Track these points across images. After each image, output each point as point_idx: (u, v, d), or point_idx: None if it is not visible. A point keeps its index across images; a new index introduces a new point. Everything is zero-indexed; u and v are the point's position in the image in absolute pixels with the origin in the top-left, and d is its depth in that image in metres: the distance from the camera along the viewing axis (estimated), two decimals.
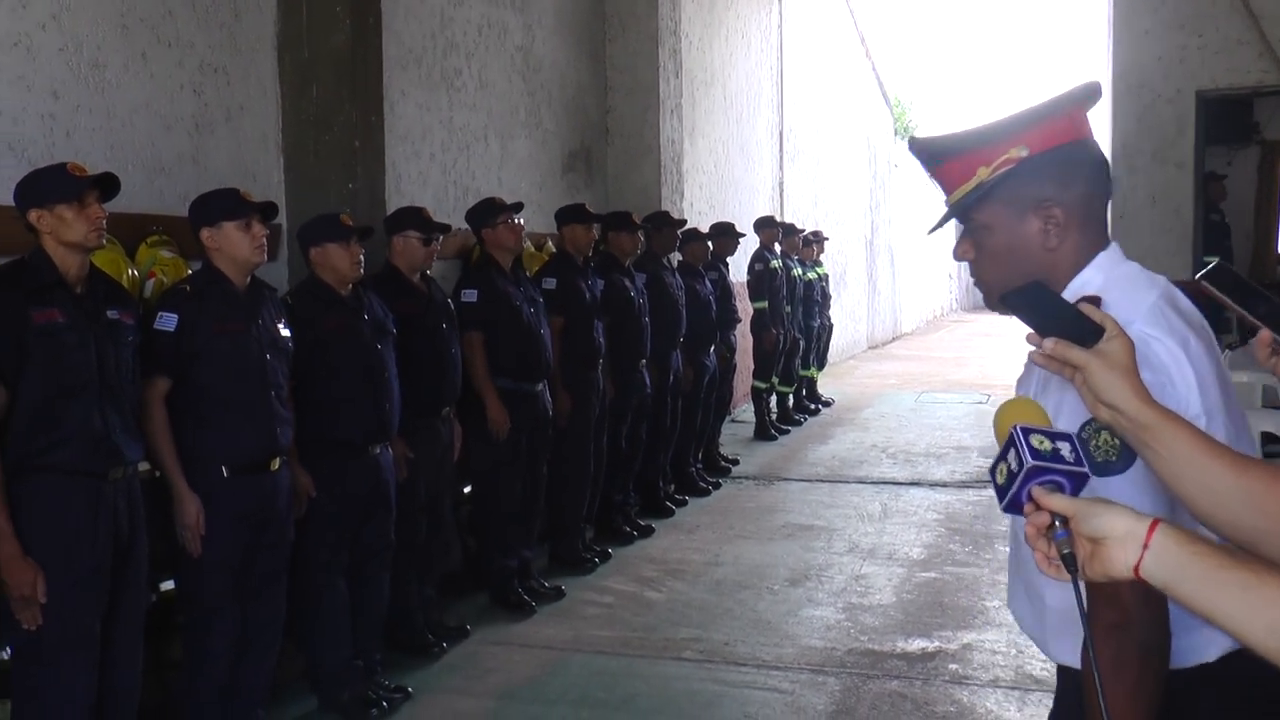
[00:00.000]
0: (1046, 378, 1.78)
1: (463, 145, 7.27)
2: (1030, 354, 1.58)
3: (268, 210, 4.21)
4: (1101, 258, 1.90)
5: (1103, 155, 1.93)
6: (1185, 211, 9.54)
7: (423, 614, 5.36)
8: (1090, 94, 1.89)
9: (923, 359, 19.19)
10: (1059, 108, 1.88)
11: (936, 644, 5.49)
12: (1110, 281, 1.87)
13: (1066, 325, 1.56)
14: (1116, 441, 1.67)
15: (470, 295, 5.83)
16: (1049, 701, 4.69)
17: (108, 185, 3.65)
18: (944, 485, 9.01)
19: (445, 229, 5.55)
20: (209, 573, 4.02)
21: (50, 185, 3.54)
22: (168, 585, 4.17)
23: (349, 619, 4.69)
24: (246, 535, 4.09)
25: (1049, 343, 1.56)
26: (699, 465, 8.98)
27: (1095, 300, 1.71)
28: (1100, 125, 10.87)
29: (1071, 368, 1.56)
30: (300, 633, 4.62)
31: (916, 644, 5.50)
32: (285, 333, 4.30)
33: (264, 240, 4.18)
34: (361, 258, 4.75)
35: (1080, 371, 1.55)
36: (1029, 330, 1.58)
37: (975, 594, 6.23)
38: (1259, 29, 9.22)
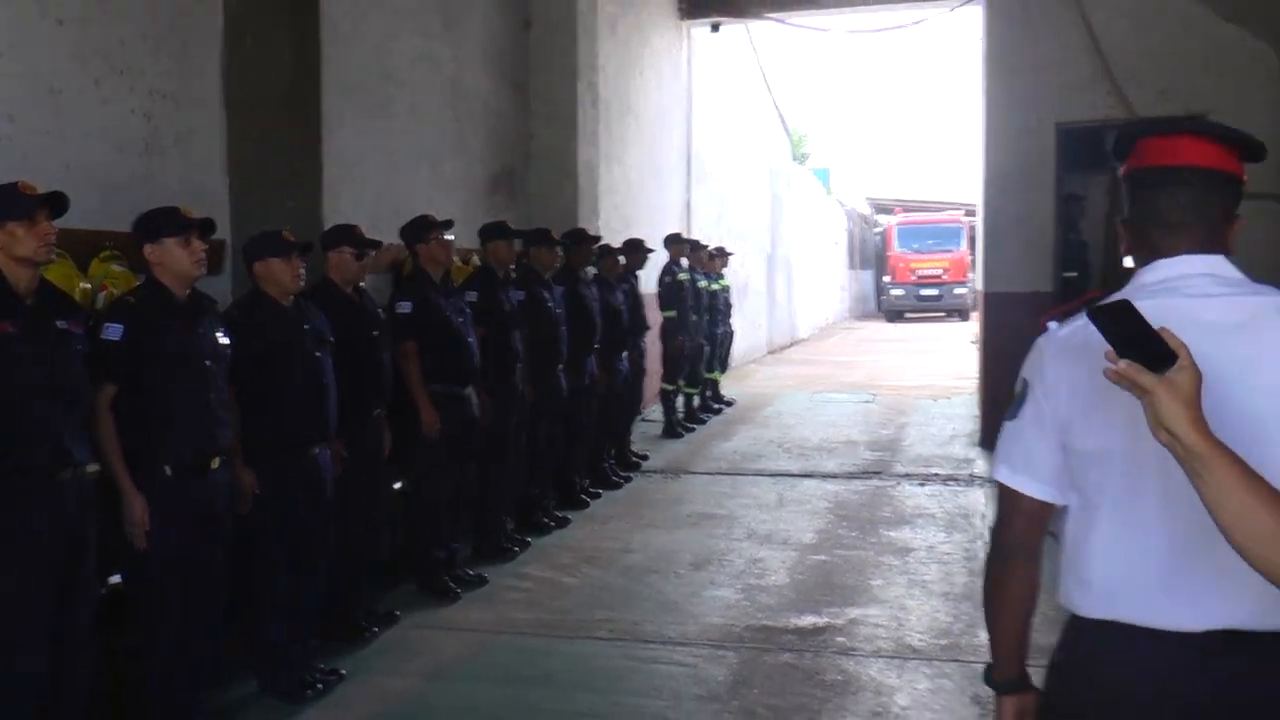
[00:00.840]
0: None
1: (396, 168, 7.21)
2: (1105, 370, 1.55)
3: (206, 226, 4.14)
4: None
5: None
6: (1048, 230, 9.80)
7: (356, 601, 5.31)
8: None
9: (816, 362, 19.35)
10: None
11: (825, 619, 5.55)
12: None
13: (1142, 348, 1.53)
14: None
15: (405, 307, 5.80)
16: (926, 669, 4.83)
17: (57, 203, 3.57)
18: (834, 476, 9.10)
19: (376, 245, 5.50)
20: (154, 566, 3.95)
21: (1, 203, 3.46)
22: (116, 579, 4.08)
23: (288, 607, 4.64)
24: (190, 530, 4.02)
25: (1122, 363, 1.53)
26: (612, 461, 8.98)
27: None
28: (974, 153, 11.10)
29: (1140, 389, 1.53)
30: (242, 620, 4.55)
31: (808, 620, 5.56)
32: (224, 341, 4.23)
33: (203, 254, 4.11)
34: (302, 271, 4.70)
35: (1147, 395, 1.53)
36: (1108, 347, 1.55)
37: (861, 574, 6.31)
38: (1108, 71, 9.49)
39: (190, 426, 4.02)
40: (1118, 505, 1.84)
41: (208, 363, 4.09)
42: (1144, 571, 1.80)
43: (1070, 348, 1.89)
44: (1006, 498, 1.98)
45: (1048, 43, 9.67)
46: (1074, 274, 10.74)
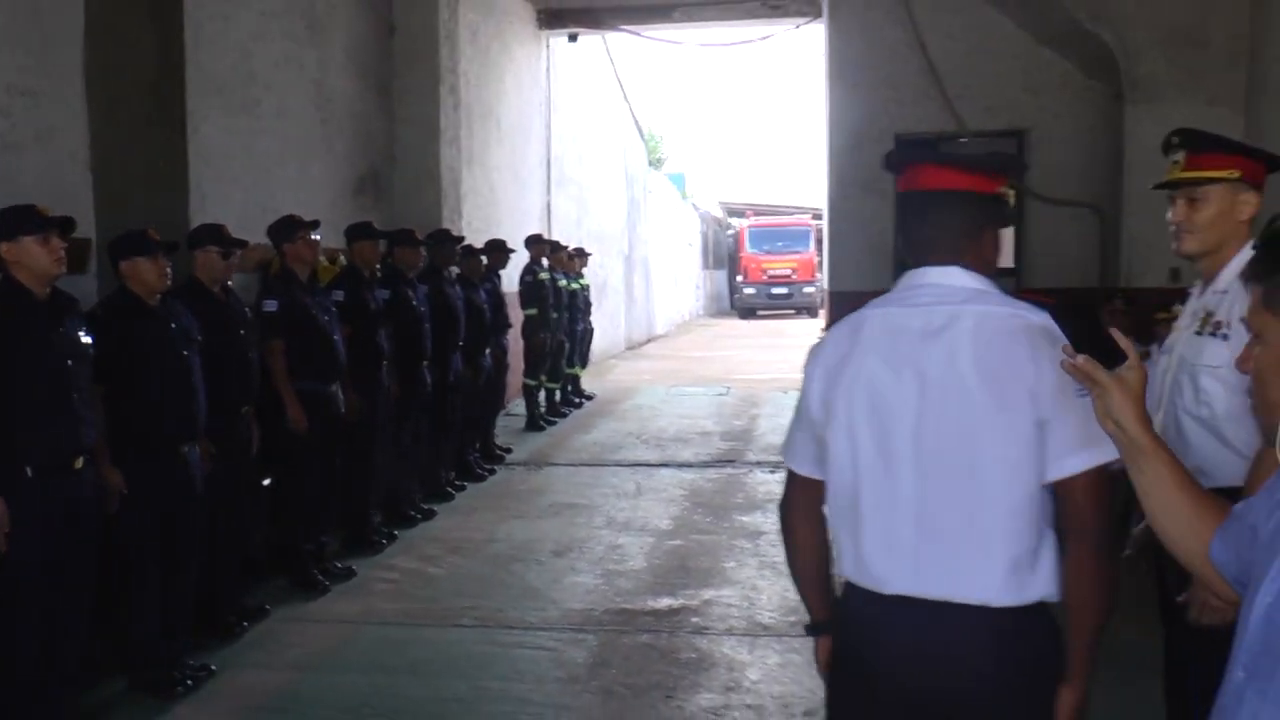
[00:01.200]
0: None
1: (263, 168, 7.05)
2: (1062, 361, 1.70)
3: (66, 224, 3.99)
4: None
5: None
6: (887, 233, 10.08)
7: (226, 597, 5.19)
8: None
9: (673, 358, 19.51)
10: None
11: (681, 601, 5.64)
12: None
13: (1096, 346, 1.64)
14: None
15: (271, 305, 5.69)
16: (776, 645, 4.95)
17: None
18: (690, 465, 9.22)
19: (243, 244, 5.38)
20: (17, 567, 3.78)
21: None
22: None
23: (159, 604, 4.51)
24: (53, 530, 3.88)
25: (1080, 358, 1.66)
26: (477, 454, 8.95)
27: None
28: (820, 160, 11.39)
29: (1093, 382, 1.65)
30: (111, 617, 4.41)
31: (664, 602, 5.64)
32: (86, 340, 4.09)
33: (62, 253, 3.95)
34: (168, 270, 4.57)
35: (1100, 388, 1.64)
36: (1066, 341, 1.70)
37: (715, 557, 6.42)
38: (941, 88, 9.86)
39: (51, 426, 3.88)
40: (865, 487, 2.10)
41: (69, 362, 3.95)
42: (872, 543, 2.06)
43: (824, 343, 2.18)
44: (787, 475, 2.30)
45: (885, 61, 10.00)
46: None
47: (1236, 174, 2.74)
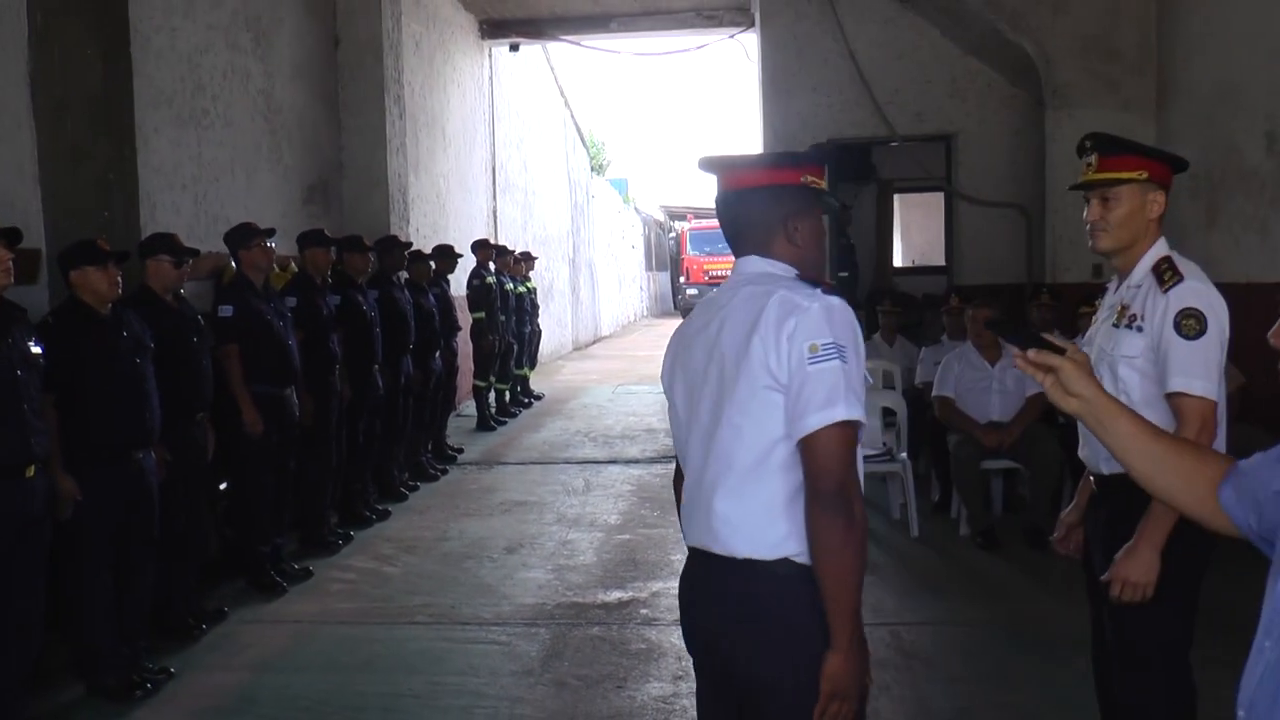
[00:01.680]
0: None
1: (212, 177, 6.96)
2: (1015, 359, 1.78)
3: (11, 235, 3.91)
4: None
5: None
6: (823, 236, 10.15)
7: (184, 600, 5.12)
8: None
9: (619, 357, 19.55)
10: None
11: (630, 593, 5.66)
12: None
13: (1042, 344, 1.76)
14: None
15: (227, 311, 5.64)
16: None
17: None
18: (636, 462, 9.27)
19: (194, 253, 5.31)
20: None
21: None
22: None
23: (114, 609, 4.44)
24: (6, 536, 3.81)
25: (1032, 353, 1.75)
26: (429, 454, 8.91)
27: None
28: None
29: (1044, 370, 1.74)
30: (67, 624, 4.34)
31: (614, 595, 5.66)
32: (36, 350, 4.01)
33: (9, 263, 3.88)
34: (119, 279, 4.50)
35: (1055, 372, 1.74)
36: (1014, 348, 1.79)
37: (663, 550, 6.45)
38: (870, 94, 9.97)
39: (2, 435, 3.79)
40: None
41: (19, 372, 3.86)
42: (684, 500, 2.28)
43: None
44: None
45: (817, 69, 10.09)
46: (845, 274, 11.25)
47: (1145, 175, 2.82)
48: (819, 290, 2.07)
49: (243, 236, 5.84)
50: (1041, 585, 5.59)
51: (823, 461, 1.99)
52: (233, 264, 6.01)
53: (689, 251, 31.78)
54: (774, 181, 2.19)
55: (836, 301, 2.07)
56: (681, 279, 32.61)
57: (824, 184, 2.24)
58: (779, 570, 2.06)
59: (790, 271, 2.18)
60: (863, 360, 2.08)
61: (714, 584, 2.15)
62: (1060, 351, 1.75)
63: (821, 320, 2.03)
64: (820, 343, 2.01)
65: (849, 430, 2.01)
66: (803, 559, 2.04)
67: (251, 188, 7.55)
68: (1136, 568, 2.70)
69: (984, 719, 4.11)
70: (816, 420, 1.99)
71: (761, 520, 2.07)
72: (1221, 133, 7.32)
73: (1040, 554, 5.88)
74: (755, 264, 2.22)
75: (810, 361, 2.00)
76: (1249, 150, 6.89)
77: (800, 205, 2.21)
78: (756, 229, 2.21)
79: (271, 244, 5.90)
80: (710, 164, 2.29)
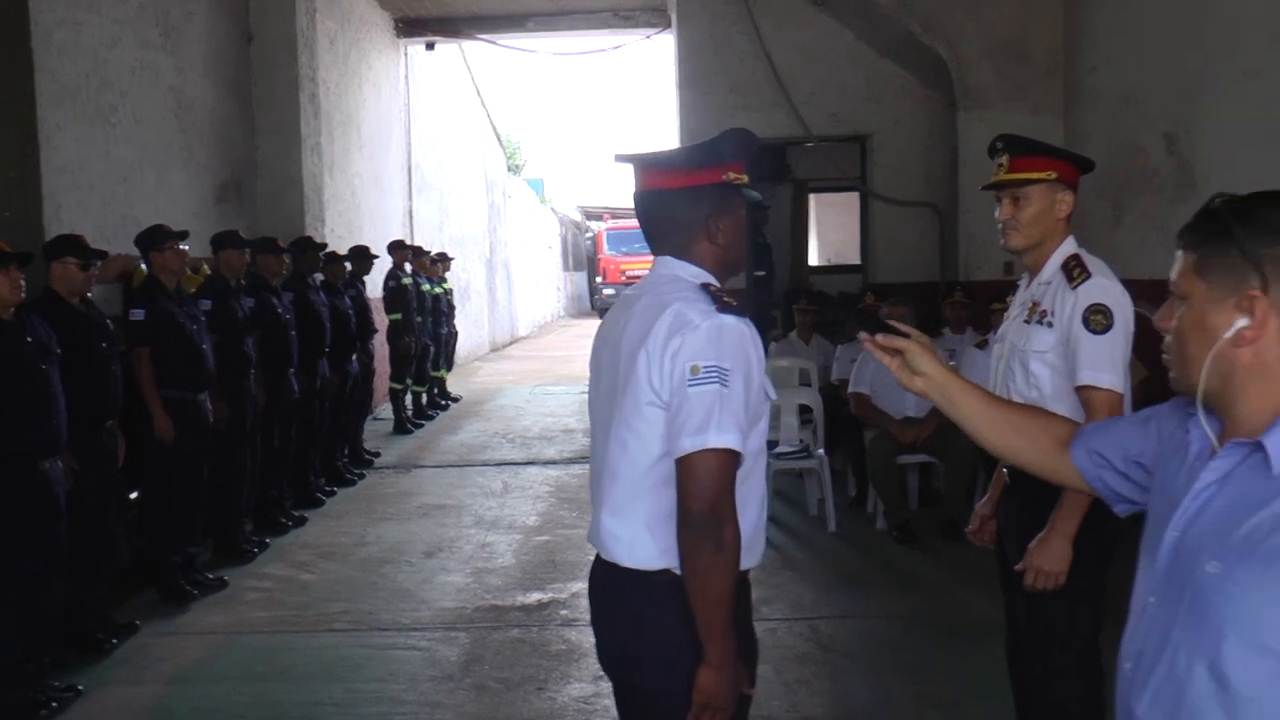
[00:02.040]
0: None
1: (120, 176, 6.79)
2: (864, 343, 1.91)
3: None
4: None
5: None
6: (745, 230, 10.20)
7: (93, 613, 4.98)
8: None
9: (536, 358, 19.51)
10: None
11: (550, 595, 5.66)
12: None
13: (888, 329, 1.90)
14: None
15: (138, 314, 5.51)
16: None
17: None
18: (554, 463, 9.25)
19: (102, 255, 5.18)
20: None
21: None
22: None
23: (15, 625, 4.29)
24: None
25: (880, 336, 1.89)
26: (345, 459, 8.80)
27: None
28: None
29: (890, 354, 1.89)
30: None
31: (533, 596, 5.65)
32: None
33: (20, 282, 3.78)
34: (22, 283, 4.35)
35: (901, 354, 1.88)
36: (863, 332, 1.93)
37: (581, 550, 6.44)
38: (786, 96, 10.08)
39: None
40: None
41: None
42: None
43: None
44: None
45: (734, 70, 10.17)
46: (763, 272, 11.32)
47: (1054, 175, 2.91)
48: (715, 308, 2.05)
49: (154, 239, 5.71)
50: (957, 576, 5.71)
51: (693, 484, 1.99)
52: (143, 266, 5.87)
53: (606, 251, 31.79)
54: (694, 182, 2.16)
55: (730, 321, 2.04)
56: (598, 279, 32.60)
57: (746, 177, 2.20)
58: (660, 580, 2.08)
59: (701, 276, 2.16)
60: (754, 381, 2.07)
61: (605, 590, 2.20)
62: (906, 336, 1.88)
63: (708, 341, 2.01)
64: (703, 364, 1.99)
65: (724, 455, 1.99)
66: (676, 570, 2.07)
67: (162, 187, 7.38)
68: (1049, 557, 2.78)
69: (903, 709, 4.19)
70: (690, 443, 1.98)
71: (643, 533, 2.09)
72: (1125, 135, 7.55)
73: (956, 545, 6.00)
74: (667, 267, 2.20)
75: (690, 383, 1.99)
76: (1151, 151, 7.12)
77: (722, 204, 2.18)
78: (677, 230, 2.18)
79: (185, 246, 5.77)
80: (628, 160, 2.26)
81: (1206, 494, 1.51)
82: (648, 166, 2.22)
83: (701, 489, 1.98)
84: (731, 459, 2.01)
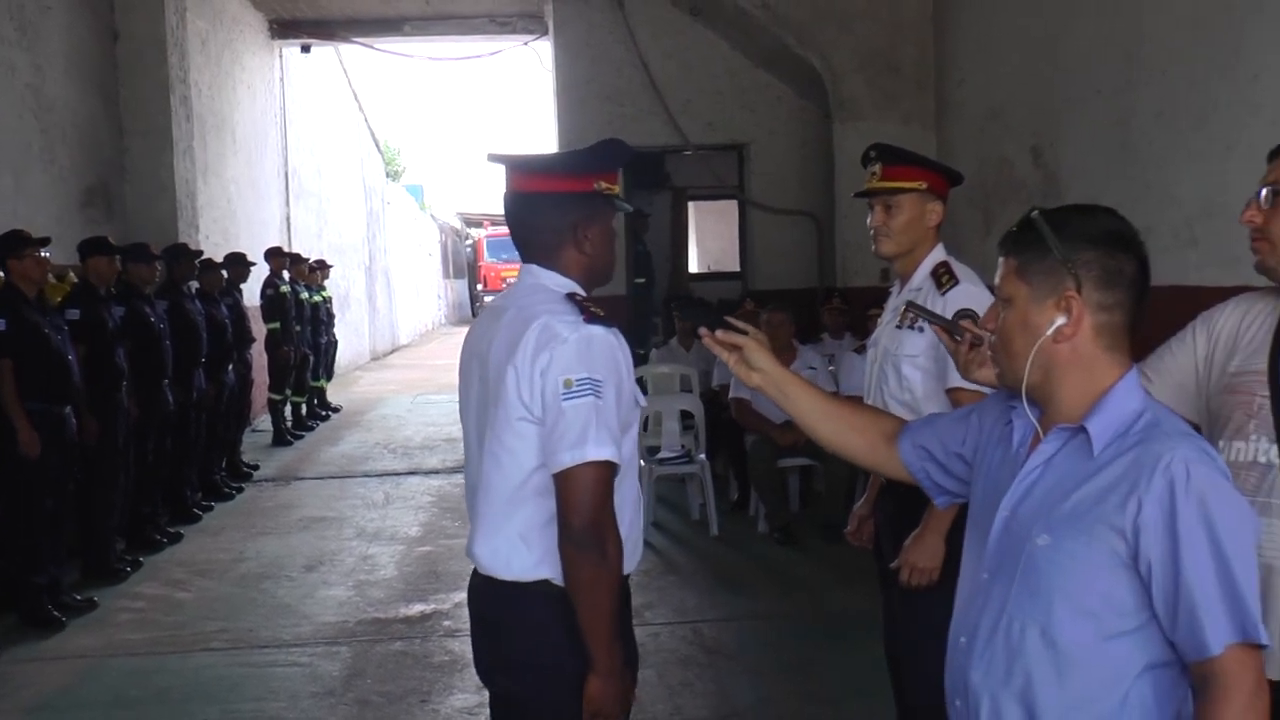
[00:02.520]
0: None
1: None
2: (704, 338, 2.01)
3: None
4: None
5: None
6: (620, 241, 10.22)
7: None
8: None
9: (418, 367, 19.30)
10: None
11: (432, 606, 5.60)
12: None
13: (726, 325, 1.97)
14: None
15: None
16: None
17: None
18: (437, 472, 9.16)
19: None
20: None
21: None
22: None
23: None
24: None
25: (719, 332, 2.00)
26: (223, 472, 8.57)
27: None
28: None
29: (729, 349, 2.00)
30: None
31: (416, 608, 5.58)
32: None
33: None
34: None
35: (739, 350, 2.00)
36: (702, 328, 2.02)
37: (464, 561, 6.27)
38: (664, 104, 10.16)
39: None
40: None
41: None
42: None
43: None
44: None
45: (610, 78, 10.20)
46: (643, 280, 11.41)
47: (924, 185, 3.01)
48: (582, 319, 2.06)
49: (13, 245, 5.46)
50: (837, 576, 5.83)
51: (573, 499, 2.00)
52: (0, 274, 5.61)
53: (486, 259, 31.60)
54: (563, 188, 2.16)
55: (599, 332, 2.05)
56: (479, 286, 32.39)
57: (617, 189, 2.22)
58: (538, 590, 2.09)
59: (567, 286, 2.16)
60: (625, 390, 2.09)
61: (484, 603, 2.20)
62: (743, 333, 1.98)
63: (577, 354, 2.02)
64: (575, 378, 2.00)
65: (602, 468, 2.00)
66: (560, 581, 2.07)
67: (21, 190, 7.08)
68: (923, 553, 2.87)
69: (785, 707, 4.26)
70: (568, 458, 1.99)
71: (518, 545, 2.10)
72: (993, 146, 7.82)
73: (835, 546, 6.12)
74: (533, 276, 2.20)
75: (564, 397, 1.99)
76: (1017, 163, 7.39)
77: (591, 212, 2.18)
78: (544, 235, 2.18)
79: (46, 254, 5.54)
80: (501, 161, 2.25)
81: (1034, 475, 1.66)
82: (519, 168, 2.21)
83: (582, 503, 1.99)
84: (609, 471, 2.02)
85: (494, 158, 2.26)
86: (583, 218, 2.17)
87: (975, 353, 2.03)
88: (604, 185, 2.18)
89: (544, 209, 2.17)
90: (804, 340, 7.26)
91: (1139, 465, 1.54)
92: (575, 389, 1.99)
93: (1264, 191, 2.03)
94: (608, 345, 2.06)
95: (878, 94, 9.25)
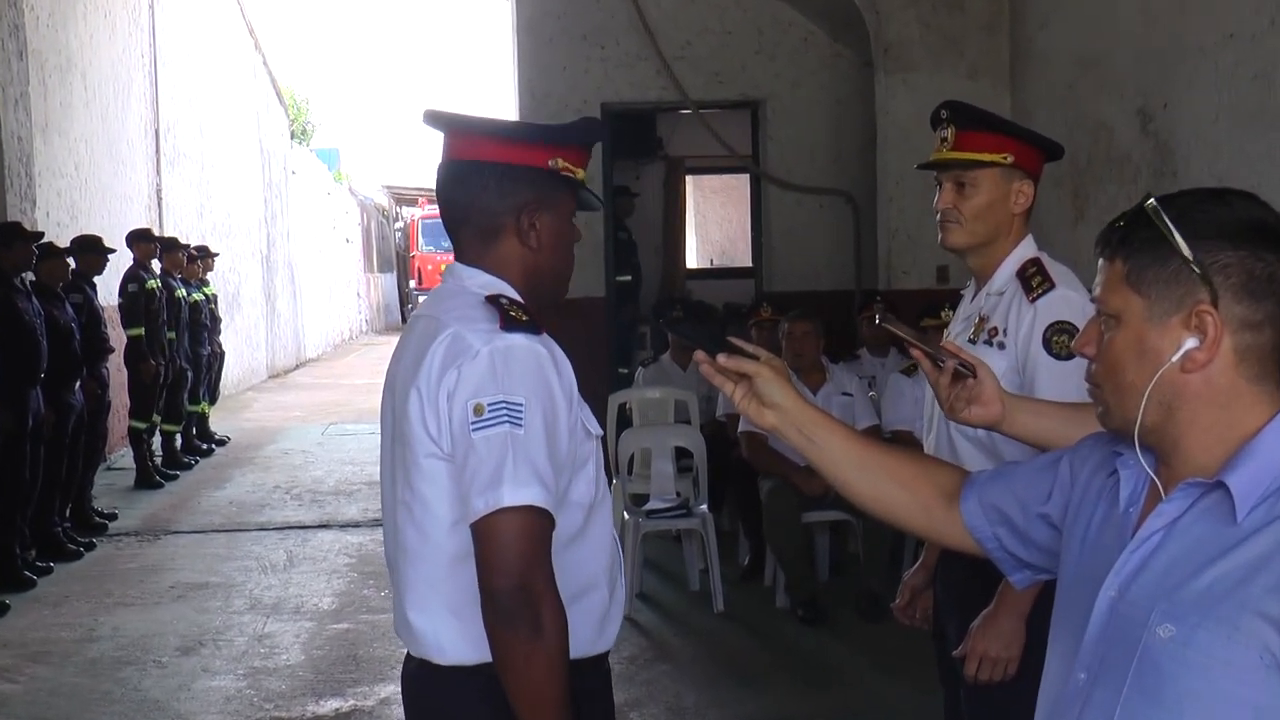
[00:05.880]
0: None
1: None
2: (701, 365, 1.94)
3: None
4: None
5: None
6: (597, 228, 10.11)
7: None
8: None
9: (331, 387, 19.38)
10: None
11: (351, 702, 5.57)
12: None
13: (730, 348, 1.91)
14: None
15: None
16: None
17: None
18: (356, 525, 9.15)
19: None
20: None
21: None
22: None
23: None
24: None
25: (721, 357, 1.92)
26: (67, 524, 8.54)
27: None
28: None
29: (735, 379, 1.93)
30: None
31: (329, 704, 5.55)
32: None
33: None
34: None
35: (749, 380, 1.93)
36: (700, 353, 1.97)
37: (391, 642, 6.34)
38: (656, 48, 10.10)
39: None
40: None
41: None
42: None
43: None
44: None
45: (588, 13, 10.13)
46: (628, 277, 11.37)
47: (1010, 158, 2.96)
48: (498, 325, 2.06)
49: None
50: (880, 665, 5.82)
51: (491, 555, 1.99)
52: None
53: (421, 247, 31.70)
54: (511, 159, 2.17)
55: (519, 341, 2.06)
56: (412, 283, 32.45)
57: (581, 173, 2.22)
58: (481, 675, 2.09)
59: (492, 286, 2.16)
60: (562, 414, 2.09)
61: (418, 693, 2.25)
62: (754, 358, 1.92)
63: (489, 371, 2.03)
64: (486, 402, 2.00)
65: (525, 515, 1.99)
66: None
67: None
68: (997, 640, 2.83)
69: None
70: (482, 504, 1.99)
71: (449, 621, 2.12)
72: (1087, 109, 7.84)
73: (879, 626, 6.11)
74: (455, 276, 2.22)
75: (474, 427, 2.00)
76: (1120, 130, 7.41)
77: (542, 195, 2.19)
78: (479, 217, 2.20)
79: None
80: (436, 120, 2.26)
81: (1151, 544, 1.61)
82: (456, 129, 2.22)
83: (502, 561, 1.98)
84: (536, 518, 2.00)
85: (430, 117, 2.26)
86: (530, 200, 2.18)
87: (961, 386, 2.00)
88: (561, 163, 2.18)
89: (482, 182, 2.18)
90: (835, 358, 7.23)
91: None
92: (488, 416, 2.00)
93: None
94: (532, 357, 2.06)
95: (935, 38, 9.28)
